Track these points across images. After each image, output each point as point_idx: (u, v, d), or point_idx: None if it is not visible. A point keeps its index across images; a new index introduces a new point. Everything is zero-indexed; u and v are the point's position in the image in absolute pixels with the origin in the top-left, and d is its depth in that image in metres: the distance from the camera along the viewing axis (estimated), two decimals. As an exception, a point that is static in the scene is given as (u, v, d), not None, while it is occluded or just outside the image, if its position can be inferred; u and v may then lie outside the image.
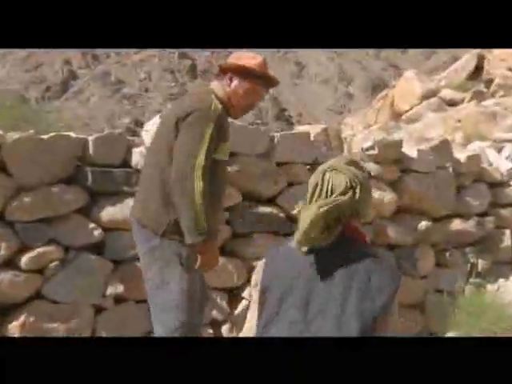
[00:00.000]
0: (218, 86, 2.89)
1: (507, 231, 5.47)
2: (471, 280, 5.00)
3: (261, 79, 2.90)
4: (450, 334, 4.32)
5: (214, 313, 3.95)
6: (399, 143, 4.80)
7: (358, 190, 1.90)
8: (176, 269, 2.70)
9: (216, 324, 4.00)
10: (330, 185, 1.89)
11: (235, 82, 2.86)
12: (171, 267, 2.70)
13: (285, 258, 1.99)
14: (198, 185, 2.56)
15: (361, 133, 9.62)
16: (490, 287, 5.03)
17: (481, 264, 5.22)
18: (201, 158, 2.59)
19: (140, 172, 3.27)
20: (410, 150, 4.99)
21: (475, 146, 6.67)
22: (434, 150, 5.03)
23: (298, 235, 1.89)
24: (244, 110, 2.97)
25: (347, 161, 1.97)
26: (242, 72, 2.85)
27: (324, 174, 1.92)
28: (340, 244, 1.90)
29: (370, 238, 4.50)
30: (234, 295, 4.09)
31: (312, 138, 4.42)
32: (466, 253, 5.19)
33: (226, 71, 2.89)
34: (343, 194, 1.87)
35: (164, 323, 2.71)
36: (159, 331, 2.74)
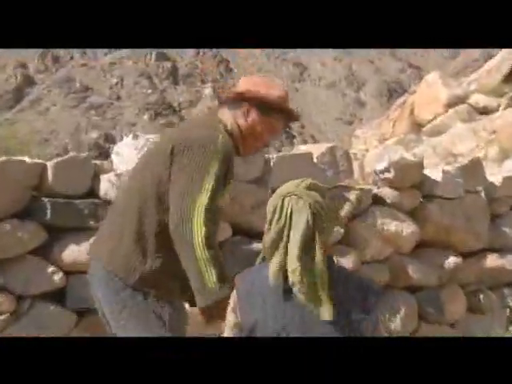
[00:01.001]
0: (227, 116, 2.75)
1: (553, 268, 5.46)
2: (511, 328, 4.98)
3: (283, 114, 2.80)
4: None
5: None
6: (420, 164, 4.79)
7: (322, 215, 2.09)
8: (156, 330, 2.57)
9: None
10: (290, 211, 2.08)
11: (253, 116, 2.73)
12: (150, 328, 2.57)
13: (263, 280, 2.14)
14: (200, 232, 2.40)
15: (375, 148, 9.65)
16: (533, 336, 5.02)
17: (522, 308, 5.22)
18: (203, 199, 2.43)
19: (111, 203, 3.22)
20: (434, 170, 4.99)
21: (513, 164, 6.71)
22: (463, 171, 5.03)
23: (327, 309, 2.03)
24: (257, 149, 2.90)
25: (307, 185, 2.12)
26: (263, 105, 2.73)
27: (283, 200, 2.10)
28: None
29: (386, 279, 4.49)
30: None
31: (315, 160, 4.42)
32: (505, 295, 5.18)
33: (243, 100, 2.75)
34: (310, 227, 2.05)
35: None
36: None
